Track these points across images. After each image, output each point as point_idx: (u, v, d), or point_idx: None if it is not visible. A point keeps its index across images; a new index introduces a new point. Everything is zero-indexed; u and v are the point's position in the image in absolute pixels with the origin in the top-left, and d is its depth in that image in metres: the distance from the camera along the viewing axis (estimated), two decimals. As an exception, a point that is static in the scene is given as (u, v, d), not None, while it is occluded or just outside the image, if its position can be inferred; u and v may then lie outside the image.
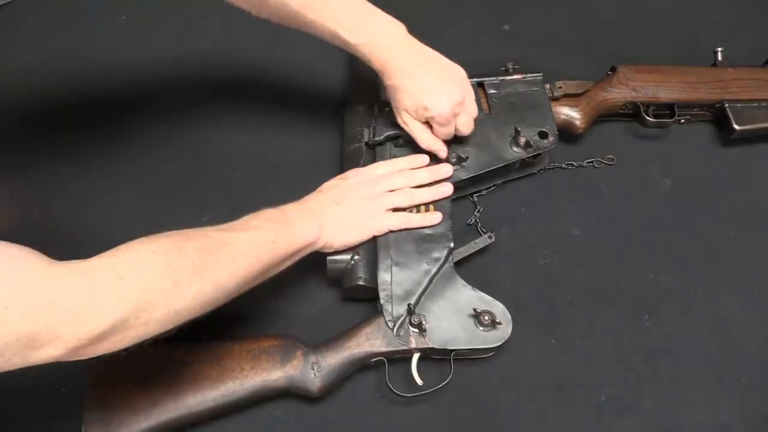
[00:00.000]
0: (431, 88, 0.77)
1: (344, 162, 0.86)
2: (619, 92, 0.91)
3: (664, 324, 0.82)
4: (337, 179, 0.80)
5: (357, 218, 0.76)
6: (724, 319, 0.83)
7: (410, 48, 0.78)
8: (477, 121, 0.85)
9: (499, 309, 0.75)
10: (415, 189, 0.80)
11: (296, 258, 0.72)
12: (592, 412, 0.77)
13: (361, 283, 0.76)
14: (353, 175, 0.80)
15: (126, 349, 0.56)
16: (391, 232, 0.78)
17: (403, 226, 0.78)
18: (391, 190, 0.79)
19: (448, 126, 0.79)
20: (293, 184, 0.90)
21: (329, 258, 0.77)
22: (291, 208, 0.73)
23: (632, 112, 0.94)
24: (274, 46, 1.03)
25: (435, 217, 0.79)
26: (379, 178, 0.80)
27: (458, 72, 0.80)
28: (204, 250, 0.61)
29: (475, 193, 0.89)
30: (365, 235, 0.77)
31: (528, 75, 0.90)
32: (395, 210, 0.79)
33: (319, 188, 0.79)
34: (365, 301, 0.80)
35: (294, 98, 0.98)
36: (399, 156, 0.84)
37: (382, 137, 0.84)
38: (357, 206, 0.77)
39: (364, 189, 0.78)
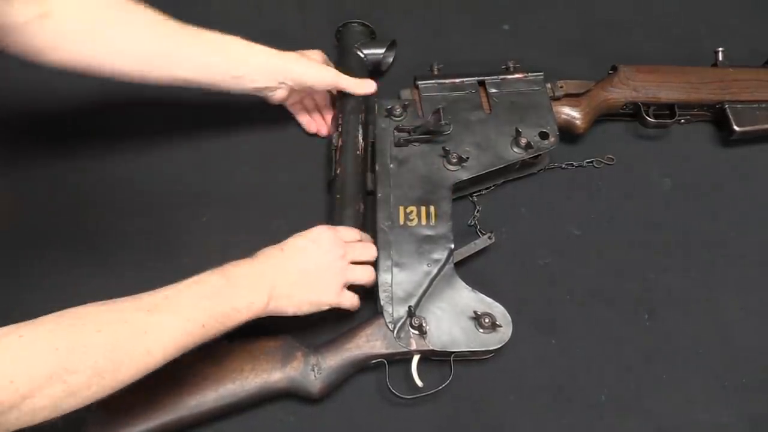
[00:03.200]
0: None
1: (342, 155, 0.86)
2: (620, 92, 0.91)
3: (664, 324, 0.82)
4: (309, 240, 0.72)
5: (316, 292, 0.71)
6: (724, 319, 0.83)
7: None
8: (478, 121, 0.85)
9: (499, 311, 0.75)
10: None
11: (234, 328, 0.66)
12: (592, 412, 0.77)
13: None
14: (326, 239, 0.73)
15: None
16: (390, 232, 0.78)
17: (354, 307, 0.76)
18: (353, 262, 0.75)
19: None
20: (293, 184, 0.90)
21: None
22: (241, 274, 0.66)
23: (632, 112, 0.93)
24: (274, 46, 1.03)
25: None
26: (347, 247, 0.74)
27: None
28: (114, 346, 0.55)
29: (474, 193, 0.89)
30: (319, 309, 0.72)
31: (529, 74, 0.90)
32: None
33: (287, 244, 0.72)
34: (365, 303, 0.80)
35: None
36: (399, 156, 0.83)
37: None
38: (320, 277, 0.71)
39: (334, 259, 0.72)
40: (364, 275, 0.75)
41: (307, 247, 0.72)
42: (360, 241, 0.78)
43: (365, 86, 0.87)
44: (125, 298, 0.59)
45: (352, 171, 0.84)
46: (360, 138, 0.86)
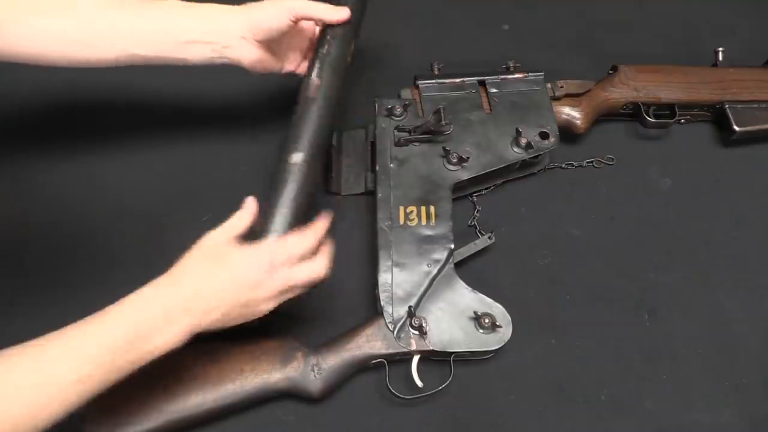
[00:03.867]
0: None
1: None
2: (621, 92, 0.91)
3: (664, 324, 0.82)
4: (264, 266, 0.65)
5: (251, 306, 0.66)
6: (724, 319, 0.83)
7: None
8: (478, 121, 0.85)
9: (499, 311, 0.75)
10: None
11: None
12: (592, 412, 0.77)
13: None
14: (279, 256, 0.66)
15: None
16: (390, 232, 0.78)
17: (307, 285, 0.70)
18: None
19: None
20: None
21: None
22: (152, 315, 0.60)
23: (632, 112, 0.94)
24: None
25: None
26: (293, 261, 0.67)
27: None
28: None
29: (474, 193, 0.89)
30: (255, 317, 0.67)
31: (529, 74, 0.90)
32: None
33: (215, 257, 0.65)
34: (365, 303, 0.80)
35: (294, 97, 0.98)
36: (399, 156, 0.83)
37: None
38: (264, 292, 0.65)
39: (280, 278, 0.66)
40: (307, 276, 0.68)
41: (260, 263, 0.65)
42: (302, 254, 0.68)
43: (337, 12, 0.76)
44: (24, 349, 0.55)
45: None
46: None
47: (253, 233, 0.70)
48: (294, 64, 0.83)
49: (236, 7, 0.74)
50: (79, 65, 0.72)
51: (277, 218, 0.70)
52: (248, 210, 0.70)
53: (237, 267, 0.64)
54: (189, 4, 0.74)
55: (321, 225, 0.70)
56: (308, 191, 0.72)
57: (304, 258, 0.68)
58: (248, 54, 0.75)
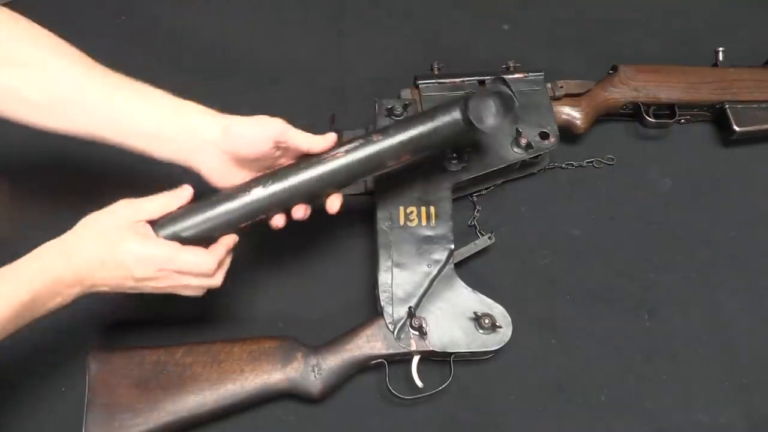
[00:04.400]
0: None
1: None
2: (621, 92, 0.91)
3: (664, 324, 0.82)
4: (153, 267, 0.64)
5: (140, 289, 0.66)
6: (724, 319, 0.83)
7: None
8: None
9: (499, 312, 0.75)
10: None
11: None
12: (592, 412, 0.77)
13: None
14: (170, 265, 0.64)
15: None
16: (390, 232, 0.78)
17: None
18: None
19: None
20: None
21: None
22: (54, 278, 0.60)
23: (632, 112, 0.94)
24: (273, 45, 1.03)
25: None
26: (184, 273, 0.65)
27: None
28: None
29: (474, 193, 0.89)
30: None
31: (529, 74, 0.90)
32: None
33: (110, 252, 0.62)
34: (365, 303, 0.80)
35: (294, 96, 0.98)
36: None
37: None
38: (151, 285, 0.65)
39: (168, 282, 0.65)
40: (196, 286, 0.67)
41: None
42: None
43: (323, 140, 0.69)
44: None
45: None
46: None
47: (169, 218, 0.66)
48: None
49: (217, 115, 0.67)
50: (30, 126, 0.66)
51: (197, 222, 0.66)
52: (175, 198, 0.67)
53: (128, 258, 0.62)
54: (165, 95, 0.67)
55: (222, 247, 0.67)
56: (247, 219, 0.68)
57: (197, 275, 0.66)
58: (213, 165, 0.68)
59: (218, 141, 0.66)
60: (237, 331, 0.78)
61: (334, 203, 0.70)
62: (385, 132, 0.70)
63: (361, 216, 0.86)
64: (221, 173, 0.68)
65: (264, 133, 0.66)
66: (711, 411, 0.78)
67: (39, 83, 0.64)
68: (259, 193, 0.67)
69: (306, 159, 0.69)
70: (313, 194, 0.69)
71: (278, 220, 0.70)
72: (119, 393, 0.69)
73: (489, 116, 0.69)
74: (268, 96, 0.98)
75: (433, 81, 0.89)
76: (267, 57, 1.02)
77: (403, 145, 0.69)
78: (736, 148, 0.95)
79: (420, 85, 0.88)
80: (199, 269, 0.65)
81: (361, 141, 0.69)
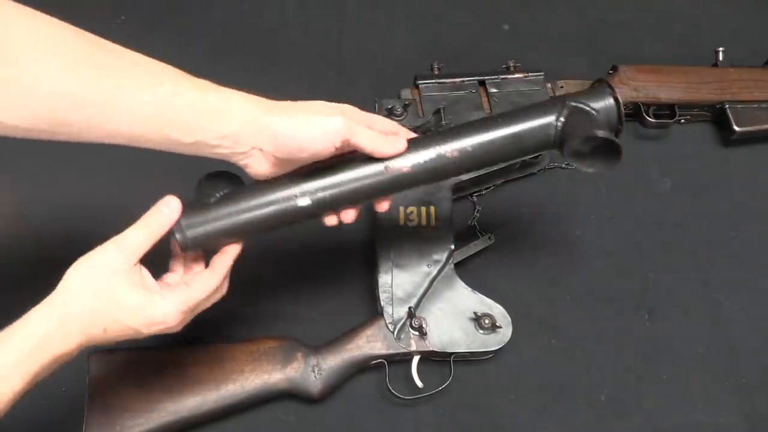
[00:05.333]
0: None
1: None
2: (620, 92, 0.91)
3: (664, 324, 0.82)
4: (168, 323, 0.58)
5: (144, 334, 0.58)
6: (724, 319, 0.83)
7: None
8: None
9: (499, 312, 0.75)
10: None
11: None
12: (592, 412, 0.77)
13: None
14: (185, 307, 0.59)
15: None
16: (390, 233, 0.78)
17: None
18: None
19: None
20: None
21: None
22: (55, 349, 0.54)
23: (632, 112, 0.93)
24: (273, 46, 1.03)
25: None
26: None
27: None
28: None
29: (474, 193, 0.89)
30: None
31: (529, 74, 0.90)
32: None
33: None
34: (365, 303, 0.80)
35: (294, 96, 0.98)
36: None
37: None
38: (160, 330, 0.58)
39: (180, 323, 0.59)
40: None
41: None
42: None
43: (391, 144, 0.59)
44: None
45: None
46: None
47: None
48: None
49: (266, 110, 0.57)
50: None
51: (231, 228, 0.59)
52: (162, 221, 0.58)
53: (134, 322, 0.56)
54: (199, 86, 0.55)
55: (229, 259, 0.62)
56: (286, 225, 0.61)
57: (208, 299, 0.61)
58: (257, 167, 0.58)
59: (267, 145, 0.56)
60: (237, 331, 0.78)
61: (383, 206, 0.64)
62: (460, 145, 0.60)
63: (361, 216, 0.86)
64: (263, 174, 0.59)
65: (323, 137, 0.55)
66: (711, 411, 0.78)
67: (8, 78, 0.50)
68: (304, 202, 0.59)
69: (363, 163, 0.59)
70: (365, 200, 0.62)
71: (331, 220, 0.63)
72: (119, 393, 0.69)
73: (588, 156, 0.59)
74: (268, 96, 0.97)
75: (433, 81, 0.89)
76: (267, 57, 1.02)
77: (477, 162, 0.61)
78: (736, 148, 0.95)
79: (420, 85, 0.89)
80: (210, 294, 0.60)
81: (431, 154, 0.60)
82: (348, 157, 0.60)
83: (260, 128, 0.55)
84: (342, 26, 1.05)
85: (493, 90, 0.89)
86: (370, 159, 0.59)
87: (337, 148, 0.56)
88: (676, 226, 0.89)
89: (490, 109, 0.87)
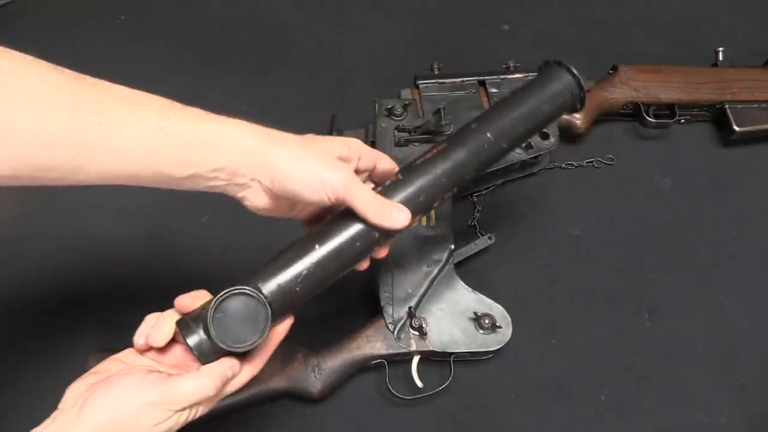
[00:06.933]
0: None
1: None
2: (621, 92, 0.91)
3: (664, 324, 0.82)
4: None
5: None
6: (724, 319, 0.83)
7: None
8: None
9: (499, 312, 0.75)
10: None
11: None
12: (592, 412, 0.77)
13: None
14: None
15: None
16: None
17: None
18: None
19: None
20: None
21: None
22: None
23: (632, 112, 0.94)
24: (273, 47, 1.03)
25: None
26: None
27: None
28: None
29: (474, 193, 0.89)
30: None
31: (530, 74, 0.90)
32: None
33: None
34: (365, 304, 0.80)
35: (294, 96, 0.98)
36: (399, 156, 0.83)
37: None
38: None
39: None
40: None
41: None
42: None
43: (391, 218, 0.55)
44: None
45: None
46: None
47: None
48: (308, 213, 0.61)
49: (264, 141, 0.53)
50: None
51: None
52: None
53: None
54: (190, 116, 0.52)
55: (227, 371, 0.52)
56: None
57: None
58: (255, 200, 0.55)
59: (264, 179, 0.53)
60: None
61: (380, 254, 0.60)
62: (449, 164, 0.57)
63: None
64: (262, 208, 0.56)
65: (320, 188, 0.52)
66: (711, 411, 0.78)
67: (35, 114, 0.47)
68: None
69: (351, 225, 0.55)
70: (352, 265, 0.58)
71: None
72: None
73: None
74: (268, 95, 0.98)
75: (433, 81, 0.89)
76: (267, 57, 1.02)
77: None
78: (736, 148, 0.95)
79: (420, 85, 0.88)
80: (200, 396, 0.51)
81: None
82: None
83: (261, 160, 0.52)
84: (342, 26, 1.05)
85: (493, 90, 0.89)
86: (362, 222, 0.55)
87: (331, 202, 0.53)
88: (676, 226, 0.89)
89: (490, 109, 0.87)
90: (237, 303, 0.50)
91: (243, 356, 0.53)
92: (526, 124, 0.60)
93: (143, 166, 0.50)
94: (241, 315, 0.50)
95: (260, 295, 0.50)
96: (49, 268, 0.83)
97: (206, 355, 0.50)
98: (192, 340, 0.50)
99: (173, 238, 0.86)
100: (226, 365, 0.51)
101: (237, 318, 0.50)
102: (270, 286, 0.53)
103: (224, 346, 0.49)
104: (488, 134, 0.58)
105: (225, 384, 0.52)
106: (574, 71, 0.63)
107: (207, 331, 0.49)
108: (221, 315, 0.49)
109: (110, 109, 0.49)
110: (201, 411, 0.53)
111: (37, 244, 0.84)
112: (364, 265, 0.59)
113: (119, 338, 0.78)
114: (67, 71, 0.49)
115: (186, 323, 0.51)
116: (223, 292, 0.50)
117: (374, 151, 0.59)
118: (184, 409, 0.50)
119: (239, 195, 0.55)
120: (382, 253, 0.59)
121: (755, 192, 0.92)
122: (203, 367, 0.51)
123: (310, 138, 0.55)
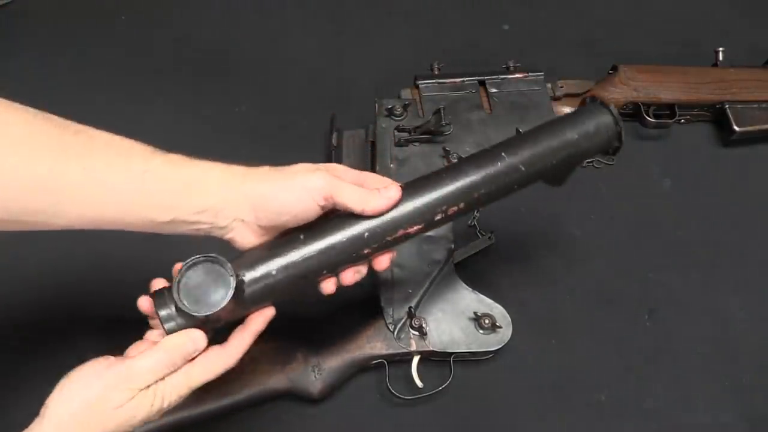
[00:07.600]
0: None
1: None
2: (621, 92, 0.92)
3: (664, 324, 0.82)
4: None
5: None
6: (724, 319, 0.83)
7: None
8: (478, 121, 0.85)
9: (499, 312, 0.75)
10: None
11: None
12: (592, 412, 0.77)
13: None
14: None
15: None
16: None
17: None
18: None
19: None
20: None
21: None
22: None
23: (632, 112, 0.94)
24: (273, 45, 1.03)
25: None
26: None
27: None
28: None
29: (475, 193, 0.89)
30: None
31: (529, 74, 0.90)
32: None
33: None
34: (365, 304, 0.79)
35: (294, 96, 0.98)
36: (399, 156, 0.83)
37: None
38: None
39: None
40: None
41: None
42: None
43: (380, 198, 0.54)
44: None
45: None
46: None
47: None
48: None
49: (243, 178, 0.53)
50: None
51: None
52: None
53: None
54: (172, 162, 0.52)
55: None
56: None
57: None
58: (242, 239, 0.55)
59: (248, 215, 0.53)
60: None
61: (381, 263, 0.59)
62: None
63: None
64: (248, 243, 0.56)
65: (305, 195, 0.52)
66: (711, 411, 0.78)
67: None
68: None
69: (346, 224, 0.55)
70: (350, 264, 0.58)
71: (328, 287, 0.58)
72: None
73: None
74: (268, 95, 0.98)
75: (433, 81, 0.89)
76: (267, 57, 1.02)
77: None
78: (736, 148, 0.95)
79: (420, 85, 0.89)
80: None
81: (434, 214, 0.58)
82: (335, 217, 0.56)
83: (240, 197, 0.52)
84: (342, 26, 1.05)
85: (493, 90, 0.89)
86: (354, 219, 0.54)
87: (322, 207, 0.53)
88: (676, 226, 0.89)
89: (491, 109, 0.88)
90: (204, 270, 0.51)
91: (211, 334, 0.54)
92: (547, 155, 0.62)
93: (125, 210, 0.51)
94: (209, 283, 0.51)
95: (227, 263, 0.51)
96: (47, 269, 0.83)
97: (173, 326, 0.51)
98: (162, 311, 0.51)
99: (172, 239, 0.86)
100: (186, 338, 0.51)
101: (204, 286, 0.51)
102: (246, 267, 0.53)
103: (185, 309, 0.50)
104: (503, 155, 0.60)
105: (185, 359, 0.52)
106: (613, 111, 0.60)
107: (173, 300, 0.50)
108: (187, 281, 0.51)
109: (94, 155, 0.49)
110: (172, 397, 0.52)
111: (36, 245, 0.84)
112: (362, 271, 0.59)
113: (117, 340, 0.78)
114: (52, 117, 0.50)
115: (160, 293, 0.52)
116: (190, 259, 0.51)
117: (360, 172, 0.57)
118: (147, 387, 0.50)
119: (226, 237, 0.55)
120: (382, 263, 0.59)
121: (755, 192, 0.92)
122: (161, 340, 0.52)
123: (285, 167, 0.55)
